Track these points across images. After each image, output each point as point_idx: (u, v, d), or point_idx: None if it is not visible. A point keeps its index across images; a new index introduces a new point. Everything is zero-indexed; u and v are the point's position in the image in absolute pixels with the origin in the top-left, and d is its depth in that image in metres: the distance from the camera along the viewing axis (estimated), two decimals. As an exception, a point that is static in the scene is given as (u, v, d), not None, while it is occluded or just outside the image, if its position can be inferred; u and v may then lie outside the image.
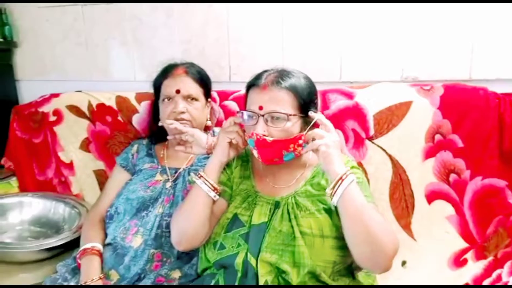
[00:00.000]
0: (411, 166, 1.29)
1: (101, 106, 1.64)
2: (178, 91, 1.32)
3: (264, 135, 1.02)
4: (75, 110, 1.66)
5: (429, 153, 1.29)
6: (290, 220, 1.03)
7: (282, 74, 1.05)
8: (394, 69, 1.51)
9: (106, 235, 1.30)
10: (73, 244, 1.35)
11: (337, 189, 0.93)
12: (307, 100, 1.04)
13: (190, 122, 1.33)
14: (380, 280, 1.09)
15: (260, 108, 1.03)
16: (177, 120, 1.31)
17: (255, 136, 1.03)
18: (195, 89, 1.35)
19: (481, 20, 1.41)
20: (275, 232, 1.03)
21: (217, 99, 1.55)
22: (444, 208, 1.26)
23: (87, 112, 1.65)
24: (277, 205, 1.08)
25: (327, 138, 0.97)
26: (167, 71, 1.39)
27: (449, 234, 1.23)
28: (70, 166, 1.67)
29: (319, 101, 1.10)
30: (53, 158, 1.68)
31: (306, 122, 1.04)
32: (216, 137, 1.20)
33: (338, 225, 0.99)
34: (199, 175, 1.10)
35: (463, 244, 1.22)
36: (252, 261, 1.01)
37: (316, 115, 1.03)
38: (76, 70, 1.85)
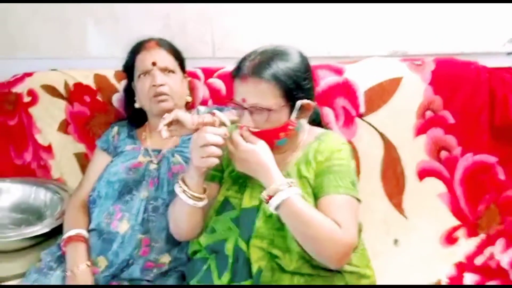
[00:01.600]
0: (402, 143, 1.28)
1: (78, 85, 1.56)
2: (154, 63, 1.27)
3: (249, 127, 0.98)
4: (50, 90, 1.57)
5: (420, 130, 1.27)
6: None
7: (262, 60, 0.97)
8: (383, 43, 1.47)
9: (90, 220, 1.26)
10: (57, 231, 1.30)
11: (272, 199, 0.92)
12: (292, 86, 0.97)
13: (170, 96, 1.27)
14: (372, 258, 1.08)
15: (243, 100, 0.98)
16: (156, 94, 1.26)
17: (239, 127, 1.00)
18: (171, 61, 1.30)
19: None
20: (265, 216, 1.00)
21: (202, 76, 1.49)
22: (435, 185, 1.25)
23: (63, 92, 1.57)
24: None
25: (238, 152, 0.96)
26: (138, 46, 1.33)
27: (440, 211, 1.23)
28: (48, 149, 1.59)
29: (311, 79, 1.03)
30: (30, 141, 1.60)
31: (294, 106, 0.99)
32: (202, 115, 1.15)
33: None
34: (179, 184, 1.03)
35: (455, 222, 1.23)
36: (243, 247, 0.99)
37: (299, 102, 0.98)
38: (49, 48, 1.73)
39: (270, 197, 0.93)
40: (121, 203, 1.20)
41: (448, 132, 1.25)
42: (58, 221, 1.32)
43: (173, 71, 1.30)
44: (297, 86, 0.97)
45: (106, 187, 1.24)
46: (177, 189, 1.03)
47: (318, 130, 1.10)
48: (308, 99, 1.00)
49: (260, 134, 0.98)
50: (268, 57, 0.98)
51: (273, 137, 0.99)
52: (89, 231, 1.23)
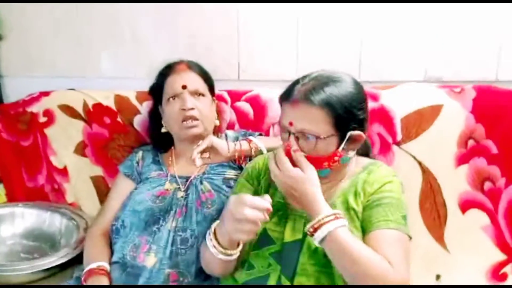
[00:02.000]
0: (443, 173, 1.22)
1: (98, 106, 1.50)
2: (184, 87, 1.22)
3: (295, 150, 0.92)
4: (68, 110, 1.51)
5: (462, 160, 1.21)
6: None
7: (315, 86, 0.91)
8: (417, 68, 1.42)
9: (112, 252, 1.18)
10: (72, 261, 1.22)
11: (317, 232, 0.86)
12: (344, 116, 0.91)
13: (200, 121, 1.22)
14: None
15: (290, 124, 0.93)
16: (186, 118, 1.21)
17: (285, 146, 0.94)
18: (201, 84, 1.26)
19: (508, 19, 1.33)
20: (310, 251, 0.94)
21: (228, 99, 1.43)
22: (479, 217, 1.19)
23: (82, 113, 1.50)
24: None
25: (285, 176, 0.90)
26: (168, 69, 1.28)
27: (484, 245, 1.16)
28: (63, 172, 1.52)
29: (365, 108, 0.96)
30: (44, 163, 1.53)
31: (344, 136, 0.93)
32: (238, 143, 1.11)
33: None
34: (209, 237, 0.96)
35: (501, 256, 1.16)
36: (287, 284, 0.92)
37: (350, 133, 0.92)
38: (67, 66, 1.68)
39: (315, 229, 0.87)
40: (148, 234, 1.13)
41: (491, 163, 1.20)
42: (76, 250, 1.24)
43: (203, 95, 1.25)
44: (350, 115, 0.92)
45: (131, 216, 1.16)
46: (208, 242, 0.96)
47: (365, 160, 1.04)
48: (360, 130, 0.94)
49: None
50: (322, 82, 0.92)
51: (316, 166, 0.93)
52: (111, 263, 1.15)
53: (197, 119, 1.21)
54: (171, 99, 1.23)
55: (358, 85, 0.96)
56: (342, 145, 0.92)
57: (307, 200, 0.90)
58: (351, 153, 0.96)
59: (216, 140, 1.10)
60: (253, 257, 0.98)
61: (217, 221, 0.98)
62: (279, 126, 0.97)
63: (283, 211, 1.00)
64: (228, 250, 0.94)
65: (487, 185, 1.19)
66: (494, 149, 1.20)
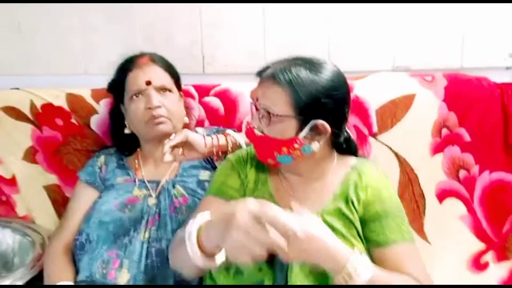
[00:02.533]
0: (419, 163, 1.21)
1: (48, 106, 1.34)
2: (148, 83, 1.12)
3: (253, 127, 0.92)
4: (13, 112, 1.35)
5: (437, 149, 1.21)
6: None
7: (286, 66, 0.88)
8: (385, 58, 1.41)
9: (77, 269, 1.06)
10: (30, 282, 1.09)
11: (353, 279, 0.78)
12: (307, 100, 0.85)
13: (167, 118, 1.12)
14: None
15: (257, 99, 0.92)
16: (153, 117, 1.11)
17: (246, 125, 0.94)
18: (167, 79, 1.17)
19: (471, 8, 1.35)
20: None
21: (195, 94, 1.34)
22: (456, 207, 1.20)
23: (29, 115, 1.35)
24: None
25: (292, 243, 0.71)
26: (129, 63, 1.17)
27: (462, 234, 1.18)
28: (12, 182, 1.36)
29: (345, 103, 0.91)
30: (-12, 173, 1.36)
31: (306, 124, 0.88)
32: (215, 137, 1.05)
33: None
34: (190, 243, 0.79)
35: (480, 245, 1.18)
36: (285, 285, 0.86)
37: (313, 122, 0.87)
38: (9, 63, 1.50)
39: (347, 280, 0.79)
40: (118, 248, 1.03)
41: (465, 150, 1.21)
42: (33, 270, 1.11)
43: (170, 90, 1.16)
44: (315, 102, 0.86)
45: (97, 229, 1.05)
46: (188, 249, 0.79)
47: (352, 159, 0.99)
48: (327, 121, 0.88)
49: (261, 140, 0.91)
50: (295, 63, 0.88)
51: (274, 148, 0.89)
52: (76, 282, 1.03)
53: (165, 117, 1.12)
54: (134, 96, 1.13)
55: (337, 75, 0.90)
56: (303, 132, 0.87)
57: (324, 256, 0.78)
58: (315, 145, 0.90)
59: (191, 134, 1.01)
60: None
61: (201, 219, 0.82)
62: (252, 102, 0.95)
63: None
64: (214, 253, 0.79)
65: (462, 173, 1.21)
66: (467, 137, 1.21)
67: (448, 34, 1.37)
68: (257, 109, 0.91)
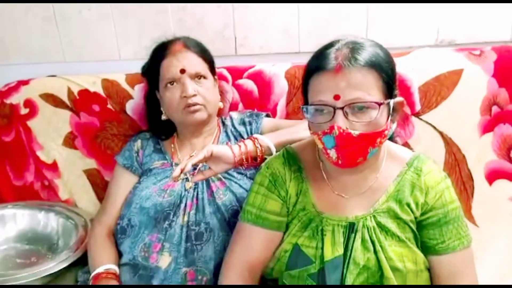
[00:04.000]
0: (467, 143, 1.15)
1: (84, 92, 1.36)
2: (183, 71, 1.09)
3: (346, 129, 0.76)
4: (52, 99, 1.37)
5: (487, 128, 1.14)
6: (375, 251, 0.82)
7: (354, 48, 0.77)
8: (428, 31, 1.33)
9: (119, 252, 1.08)
10: (73, 263, 1.12)
11: None
12: (392, 78, 0.78)
13: (203, 106, 1.10)
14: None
15: (336, 98, 0.75)
16: (189, 106, 1.08)
17: (337, 130, 0.75)
18: (202, 65, 1.12)
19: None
20: (357, 267, 0.82)
21: (229, 77, 1.31)
22: (507, 188, 1.13)
23: (67, 101, 1.37)
24: (351, 228, 0.85)
25: None
26: (162, 49, 1.14)
27: (514, 216, 1.12)
28: (53, 167, 1.40)
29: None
30: (31, 159, 1.40)
31: (389, 105, 0.80)
32: (242, 144, 0.99)
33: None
34: None
35: (532, 228, 1.12)
36: None
37: (393, 101, 0.80)
38: (45, 51, 1.51)
39: None
40: (159, 232, 1.03)
41: (517, 129, 1.13)
42: (77, 253, 1.14)
43: (204, 77, 1.12)
44: (394, 79, 0.80)
45: (139, 214, 1.06)
46: None
47: (400, 151, 0.91)
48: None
49: (361, 139, 0.77)
50: (359, 43, 0.78)
51: (370, 143, 0.78)
52: (120, 265, 1.05)
53: (200, 105, 1.10)
54: (169, 84, 1.11)
55: (384, 48, 0.84)
56: (390, 116, 0.80)
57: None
58: (393, 126, 0.84)
59: (217, 148, 0.96)
60: (287, 278, 0.87)
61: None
62: (314, 107, 0.80)
63: (316, 222, 0.87)
64: None
65: (514, 152, 1.13)
66: (520, 114, 1.13)
67: (497, 4, 1.28)
68: (335, 111, 0.76)
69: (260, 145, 1.01)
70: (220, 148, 0.97)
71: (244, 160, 0.98)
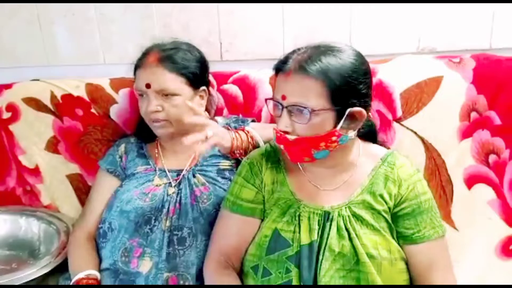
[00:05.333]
0: (446, 148, 1.16)
1: (67, 97, 1.35)
2: (148, 86, 1.07)
3: (285, 132, 0.85)
4: (34, 103, 1.36)
5: (466, 133, 1.16)
6: (350, 238, 0.86)
7: (312, 55, 0.83)
8: (409, 39, 1.35)
9: (100, 257, 1.07)
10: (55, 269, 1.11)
11: None
12: (343, 88, 0.82)
13: (168, 122, 1.09)
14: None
15: (283, 98, 0.84)
16: (152, 120, 1.09)
17: (275, 133, 0.88)
18: (172, 81, 1.08)
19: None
20: (332, 254, 0.86)
21: (214, 83, 1.32)
22: (485, 192, 1.15)
23: (50, 105, 1.36)
24: (327, 216, 0.89)
25: None
26: (140, 57, 1.13)
27: (491, 220, 1.13)
28: (35, 171, 1.38)
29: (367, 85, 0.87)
30: (12, 164, 1.39)
31: (342, 113, 0.84)
32: (238, 135, 1.02)
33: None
34: None
35: (509, 231, 1.13)
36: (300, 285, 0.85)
37: (350, 110, 0.84)
38: (28, 54, 1.50)
39: None
40: (140, 237, 1.03)
41: (495, 134, 1.15)
42: (58, 258, 1.13)
43: (173, 94, 1.08)
44: (350, 89, 0.83)
45: (119, 217, 1.06)
46: None
47: (376, 149, 0.97)
48: (361, 106, 0.85)
49: (297, 142, 0.85)
50: (320, 51, 0.83)
51: (311, 146, 0.85)
52: (100, 270, 1.04)
53: (165, 120, 1.09)
54: (139, 95, 1.12)
55: (360, 57, 0.87)
56: (341, 123, 0.84)
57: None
58: (351, 133, 0.87)
59: (219, 128, 1.00)
60: (267, 262, 0.89)
61: None
62: (272, 102, 0.89)
63: (294, 208, 0.92)
64: None
65: (492, 158, 1.16)
66: (497, 120, 1.15)
67: (477, 12, 1.30)
68: (283, 108, 0.85)
69: (251, 138, 1.05)
70: (221, 129, 1.01)
71: (236, 150, 1.02)
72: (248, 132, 1.06)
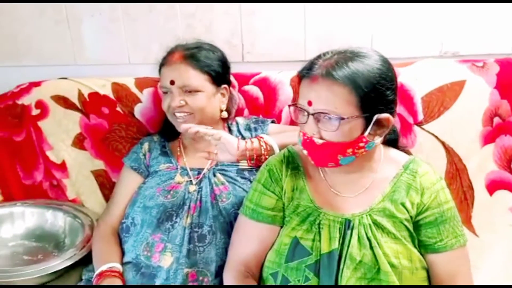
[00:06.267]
0: (468, 153, 1.16)
1: (94, 95, 1.39)
2: (172, 82, 1.11)
3: (311, 136, 0.85)
4: (62, 101, 1.41)
5: (488, 138, 1.16)
6: (372, 247, 0.85)
7: (338, 61, 0.82)
8: (432, 43, 1.35)
9: (123, 251, 1.11)
10: (79, 261, 1.15)
11: None
12: (371, 95, 0.81)
13: (192, 114, 1.13)
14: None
15: (309, 103, 0.83)
16: (175, 116, 1.13)
17: (302, 137, 0.87)
18: (196, 78, 1.12)
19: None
20: (354, 263, 0.85)
21: (235, 83, 1.34)
22: (507, 198, 1.14)
23: (77, 103, 1.40)
24: (347, 224, 0.88)
25: None
26: (165, 57, 1.17)
27: (512, 227, 1.13)
28: (62, 167, 1.43)
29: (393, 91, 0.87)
30: (40, 159, 1.44)
31: (370, 119, 0.84)
32: (248, 140, 1.03)
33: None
34: None
35: (531, 239, 1.12)
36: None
37: (377, 116, 0.84)
38: (56, 53, 1.56)
39: None
40: (161, 232, 1.06)
41: (518, 140, 1.14)
42: (82, 251, 1.17)
43: (196, 90, 1.12)
44: (378, 96, 0.83)
45: (142, 213, 1.09)
46: None
47: (397, 155, 0.96)
48: (388, 113, 0.85)
49: (324, 147, 0.84)
50: (347, 57, 0.83)
51: (338, 152, 0.85)
52: (123, 264, 1.08)
53: (189, 113, 1.12)
54: (163, 92, 1.15)
55: (386, 62, 0.87)
56: (369, 130, 0.84)
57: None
58: (378, 139, 0.88)
59: (225, 135, 1.01)
60: (286, 270, 0.89)
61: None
62: (294, 108, 0.88)
63: (314, 216, 0.91)
64: None
65: (515, 164, 1.15)
66: (521, 126, 1.14)
67: (501, 16, 1.29)
68: (309, 115, 0.84)
69: (265, 143, 1.05)
70: (228, 137, 1.03)
71: (248, 156, 1.02)
72: (261, 138, 1.07)
